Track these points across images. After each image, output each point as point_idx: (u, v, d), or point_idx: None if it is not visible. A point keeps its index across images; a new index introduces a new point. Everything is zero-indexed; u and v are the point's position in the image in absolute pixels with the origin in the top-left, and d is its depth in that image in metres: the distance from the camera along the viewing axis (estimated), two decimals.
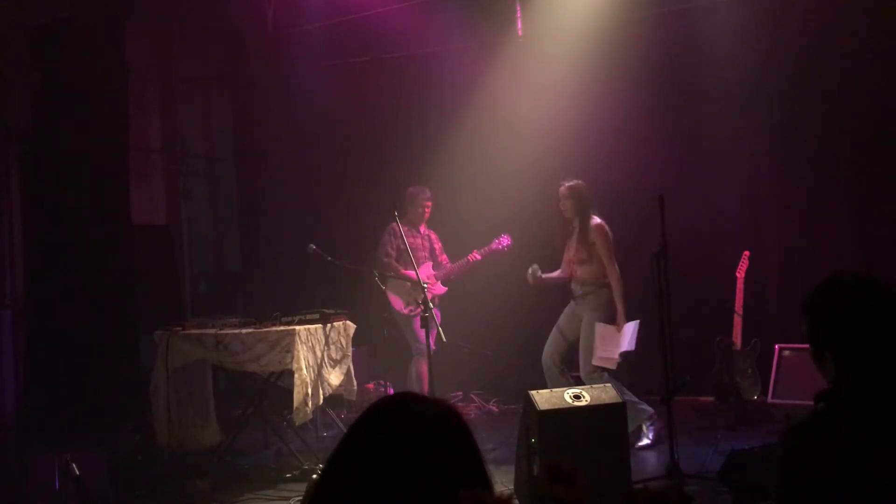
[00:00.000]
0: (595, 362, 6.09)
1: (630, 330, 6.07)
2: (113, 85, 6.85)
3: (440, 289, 7.35)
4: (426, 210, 7.37)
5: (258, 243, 9.38)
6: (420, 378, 7.11)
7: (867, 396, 2.01)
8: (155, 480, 5.71)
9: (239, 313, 6.86)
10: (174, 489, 5.55)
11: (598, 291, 6.20)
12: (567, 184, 6.31)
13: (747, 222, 7.60)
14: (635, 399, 6.06)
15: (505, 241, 7.34)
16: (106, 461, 5.51)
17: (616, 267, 6.17)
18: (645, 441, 6.09)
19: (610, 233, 6.23)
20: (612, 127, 7.73)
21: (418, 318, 6.71)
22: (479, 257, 7.32)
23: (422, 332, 6.73)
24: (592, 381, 5.83)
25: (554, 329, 6.43)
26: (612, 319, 6.15)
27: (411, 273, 6.83)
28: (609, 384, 5.17)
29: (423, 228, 7.42)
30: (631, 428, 5.89)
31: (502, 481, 4.82)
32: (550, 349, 6.37)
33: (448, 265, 7.45)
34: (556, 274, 6.47)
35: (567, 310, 6.42)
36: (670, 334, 5.24)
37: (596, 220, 6.24)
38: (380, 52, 8.68)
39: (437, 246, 7.49)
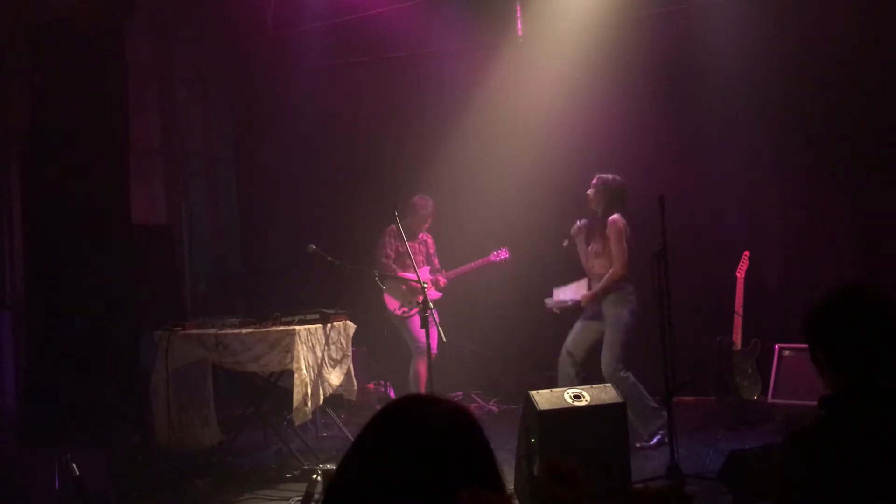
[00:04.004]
0: (548, 303, 6.40)
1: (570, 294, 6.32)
2: (113, 85, 6.85)
3: (435, 294, 7.34)
4: (428, 223, 7.40)
5: (258, 243, 9.38)
6: (417, 378, 7.11)
7: (865, 403, 2.02)
8: (155, 480, 5.72)
9: (239, 313, 6.86)
10: (174, 489, 5.55)
11: (620, 290, 6.14)
12: (600, 175, 6.30)
13: (747, 222, 7.61)
14: (651, 405, 6.05)
15: (503, 254, 7.40)
16: (106, 461, 5.50)
17: (623, 266, 6.09)
18: (646, 443, 6.08)
19: (627, 230, 6.15)
20: (612, 127, 7.73)
21: (415, 318, 6.77)
22: (478, 265, 7.39)
23: (420, 332, 6.76)
24: (614, 381, 5.77)
25: (573, 334, 6.32)
26: (633, 315, 6.12)
27: (409, 274, 6.85)
28: (609, 384, 5.15)
29: (420, 235, 7.44)
30: (643, 431, 5.91)
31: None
32: (570, 345, 6.27)
33: (437, 266, 7.49)
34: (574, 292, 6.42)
35: (586, 315, 6.32)
36: (670, 334, 5.24)
37: (614, 215, 6.19)
38: (380, 52, 8.68)
39: (432, 250, 7.53)
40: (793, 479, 2.02)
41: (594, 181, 6.29)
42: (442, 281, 7.42)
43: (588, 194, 6.30)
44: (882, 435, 1.97)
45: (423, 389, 6.76)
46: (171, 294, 8.32)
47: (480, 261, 7.47)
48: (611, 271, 6.15)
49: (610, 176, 6.28)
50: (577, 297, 6.32)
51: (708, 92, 7.49)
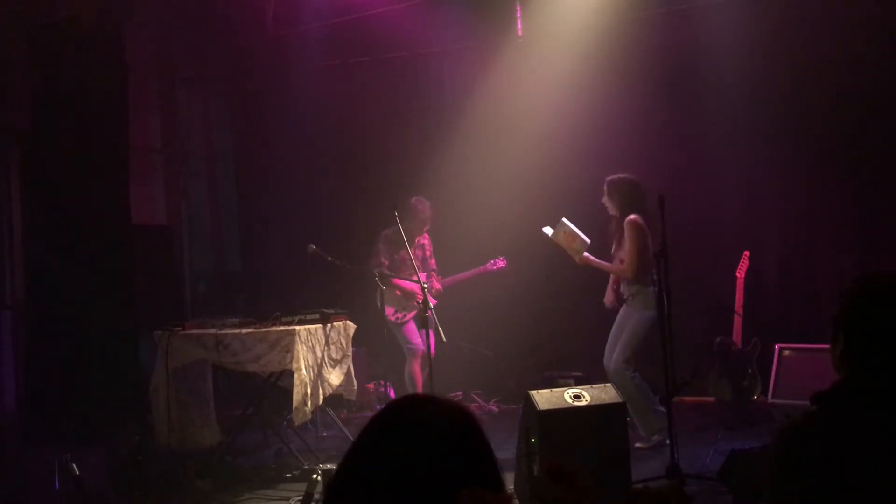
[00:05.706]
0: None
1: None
2: (113, 85, 6.85)
3: (430, 300, 7.31)
4: (427, 226, 7.32)
5: (258, 243, 9.38)
6: (413, 380, 7.11)
7: (861, 398, 2.01)
8: (155, 480, 5.71)
9: (239, 313, 6.86)
10: (174, 489, 5.55)
11: (645, 290, 6.06)
12: (609, 178, 6.22)
13: (747, 222, 7.60)
14: (655, 407, 6.03)
15: (500, 263, 7.39)
16: (106, 461, 5.51)
17: (638, 267, 6.01)
18: (645, 444, 6.07)
19: (644, 229, 6.05)
20: (612, 127, 7.73)
21: (409, 323, 6.83)
22: (475, 274, 7.41)
23: (414, 335, 6.84)
24: (618, 378, 5.83)
25: (611, 336, 6.24)
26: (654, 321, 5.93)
27: (403, 282, 6.86)
28: (609, 385, 5.15)
29: (418, 238, 7.34)
30: (644, 432, 5.90)
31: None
32: (610, 354, 6.19)
33: (435, 267, 7.45)
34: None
35: (619, 315, 6.26)
36: (670, 334, 5.24)
37: (631, 215, 6.09)
38: (380, 52, 8.68)
39: (429, 252, 7.45)
40: (785, 475, 2.01)
41: (605, 188, 6.21)
42: (436, 286, 7.34)
43: (606, 203, 6.22)
44: (873, 432, 1.96)
45: (419, 390, 6.77)
46: (171, 294, 8.32)
47: (477, 269, 7.44)
48: (620, 267, 6.13)
49: (618, 176, 6.20)
50: (587, 241, 6.23)
51: (708, 92, 7.49)
